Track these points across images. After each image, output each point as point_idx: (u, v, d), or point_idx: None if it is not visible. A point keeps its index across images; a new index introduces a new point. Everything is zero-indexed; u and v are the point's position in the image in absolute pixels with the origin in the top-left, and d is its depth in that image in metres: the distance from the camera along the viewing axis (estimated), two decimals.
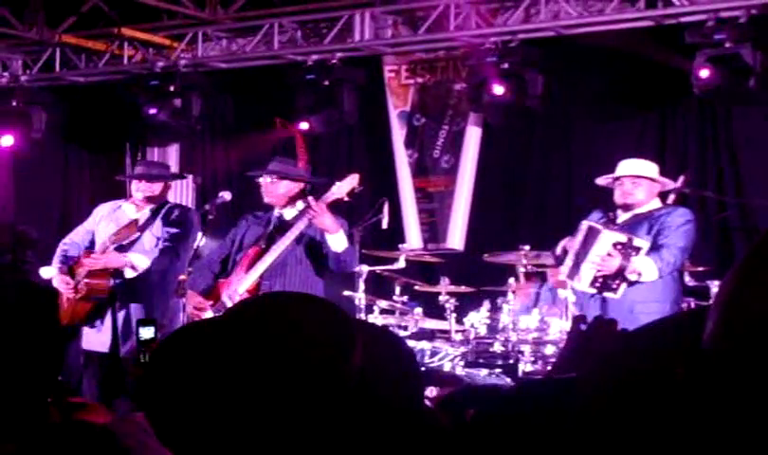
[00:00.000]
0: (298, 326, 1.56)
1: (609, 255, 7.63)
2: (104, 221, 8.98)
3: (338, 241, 7.76)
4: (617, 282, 7.66)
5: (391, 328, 8.61)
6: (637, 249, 7.61)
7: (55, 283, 8.87)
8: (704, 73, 8.89)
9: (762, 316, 1.22)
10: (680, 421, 1.25)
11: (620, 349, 1.42)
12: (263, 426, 1.52)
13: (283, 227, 7.96)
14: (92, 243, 8.98)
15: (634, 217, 7.88)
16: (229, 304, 7.68)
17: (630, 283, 7.64)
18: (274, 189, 8.05)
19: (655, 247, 7.67)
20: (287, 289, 7.49)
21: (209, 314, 7.66)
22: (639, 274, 7.62)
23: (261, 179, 8.12)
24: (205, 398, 1.54)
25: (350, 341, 1.56)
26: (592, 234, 7.80)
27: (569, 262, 7.90)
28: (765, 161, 9.40)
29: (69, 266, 8.79)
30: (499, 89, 9.63)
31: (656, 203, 7.95)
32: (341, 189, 7.87)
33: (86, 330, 8.78)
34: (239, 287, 7.83)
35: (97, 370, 8.72)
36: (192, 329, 1.68)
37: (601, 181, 8.17)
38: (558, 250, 8.11)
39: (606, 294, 7.70)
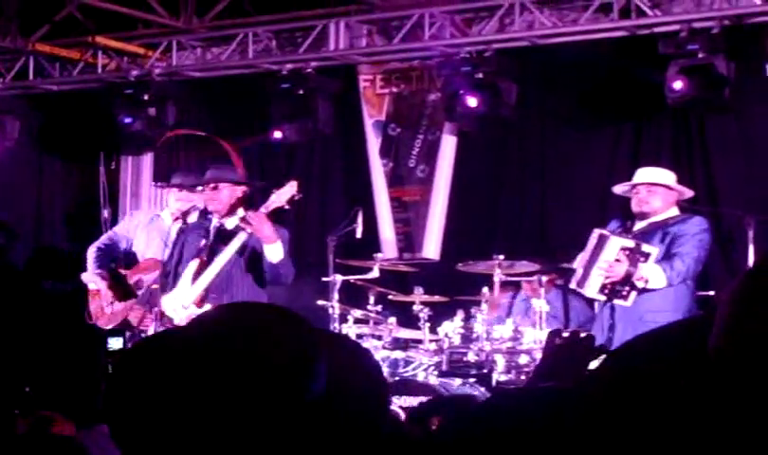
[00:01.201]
0: (260, 337, 1.55)
1: (616, 261, 7.66)
2: (142, 231, 9.02)
3: (274, 251, 7.60)
4: (626, 289, 7.69)
5: (365, 337, 8.61)
6: (646, 255, 7.63)
7: (98, 288, 8.88)
8: (678, 85, 8.92)
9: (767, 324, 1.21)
10: (682, 427, 1.25)
11: (623, 355, 1.41)
12: (224, 438, 1.51)
13: (224, 237, 7.83)
14: (126, 248, 9.03)
15: (650, 225, 7.92)
16: (175, 317, 7.61)
17: (640, 291, 7.67)
18: (217, 196, 7.89)
19: (667, 256, 7.72)
20: (234, 301, 7.40)
21: (152, 328, 7.59)
22: (646, 281, 7.64)
23: (200, 189, 8.04)
24: (165, 411, 1.53)
25: (313, 352, 1.55)
26: (601, 241, 7.86)
27: (579, 270, 7.94)
28: (738, 171, 9.45)
29: (112, 271, 8.81)
30: (472, 101, 9.65)
31: (674, 211, 8.00)
32: (281, 196, 7.73)
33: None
34: (184, 300, 7.71)
35: None
36: (154, 340, 1.67)
37: (618, 189, 8.22)
38: (577, 264, 8.13)
39: (616, 301, 7.73)
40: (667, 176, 8.07)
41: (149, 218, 9.18)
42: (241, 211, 7.86)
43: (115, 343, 8.13)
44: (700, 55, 8.88)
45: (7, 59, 11.60)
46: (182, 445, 1.55)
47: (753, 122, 9.46)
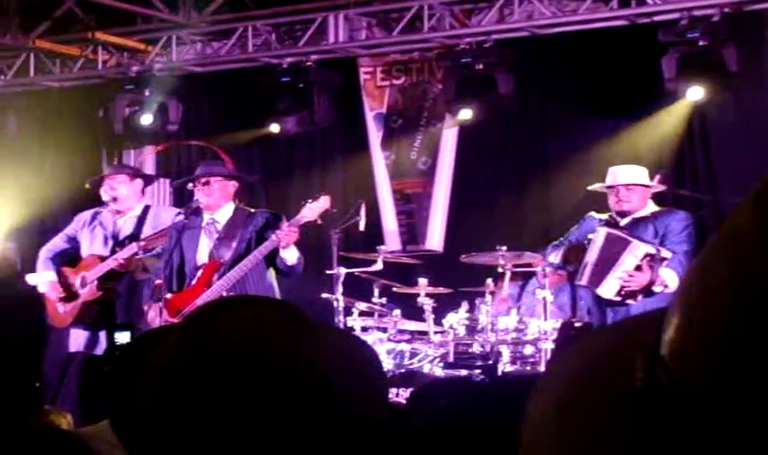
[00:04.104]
0: (258, 329, 1.55)
1: (638, 268, 7.69)
2: (86, 230, 8.99)
3: (291, 253, 7.70)
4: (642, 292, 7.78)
5: (369, 330, 8.62)
6: (663, 259, 7.70)
7: (45, 289, 8.86)
8: (696, 92, 8.97)
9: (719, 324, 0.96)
10: (631, 433, 1.06)
11: (581, 346, 1.24)
12: (223, 430, 1.52)
13: (229, 234, 7.86)
14: (75, 249, 9.00)
15: (636, 221, 7.98)
16: None
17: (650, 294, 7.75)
18: (208, 191, 7.94)
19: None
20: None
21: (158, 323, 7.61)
22: (666, 286, 7.71)
23: (192, 185, 8.03)
24: (165, 404, 1.54)
25: (311, 344, 1.55)
26: (616, 244, 7.88)
27: (588, 269, 7.95)
28: (739, 159, 9.42)
29: (59, 271, 8.80)
30: (466, 113, 9.74)
31: (652, 206, 8.09)
32: (314, 211, 7.74)
33: (76, 331, 8.79)
34: (201, 302, 7.69)
35: (78, 371, 8.71)
36: (153, 335, 1.68)
37: (594, 189, 8.26)
38: (559, 260, 8.17)
39: (628, 301, 7.79)
40: (641, 175, 8.13)
41: (91, 216, 9.12)
42: (231, 205, 7.95)
43: (122, 338, 8.11)
44: (700, 43, 8.87)
45: (7, 56, 11.61)
46: (182, 439, 1.56)
47: (753, 110, 9.44)
